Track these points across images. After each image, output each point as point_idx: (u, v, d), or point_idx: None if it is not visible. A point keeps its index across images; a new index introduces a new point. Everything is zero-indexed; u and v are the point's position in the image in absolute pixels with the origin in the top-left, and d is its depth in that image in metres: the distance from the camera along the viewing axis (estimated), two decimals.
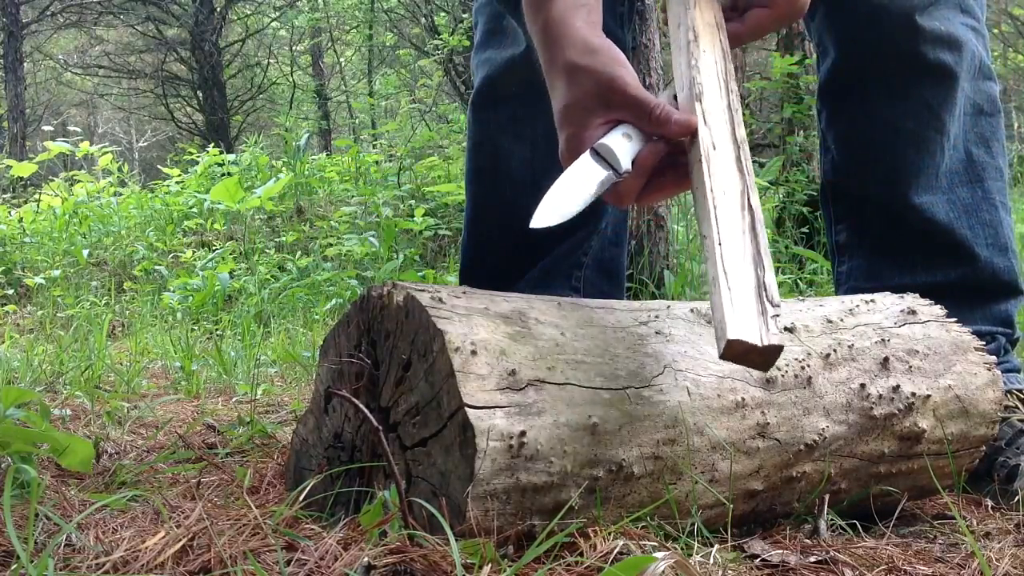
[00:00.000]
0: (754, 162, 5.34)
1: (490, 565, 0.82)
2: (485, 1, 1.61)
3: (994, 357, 1.28)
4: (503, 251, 1.63)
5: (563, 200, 0.98)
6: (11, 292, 5.82)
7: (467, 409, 0.89)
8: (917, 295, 1.30)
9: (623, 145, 1.00)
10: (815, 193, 2.17)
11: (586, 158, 1.00)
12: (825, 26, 1.54)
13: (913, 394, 1.17)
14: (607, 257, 1.65)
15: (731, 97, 1.05)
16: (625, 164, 0.99)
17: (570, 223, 1.59)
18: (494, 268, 1.62)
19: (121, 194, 7.72)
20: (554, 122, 1.06)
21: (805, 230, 4.42)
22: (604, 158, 1.00)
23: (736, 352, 0.87)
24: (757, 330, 0.87)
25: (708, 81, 1.05)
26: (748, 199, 0.96)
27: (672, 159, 1.03)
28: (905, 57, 1.47)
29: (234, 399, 2.17)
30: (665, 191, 1.05)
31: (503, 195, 1.61)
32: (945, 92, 1.48)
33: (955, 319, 1.28)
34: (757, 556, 0.99)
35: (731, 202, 0.96)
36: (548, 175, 1.59)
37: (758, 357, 0.87)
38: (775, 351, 0.87)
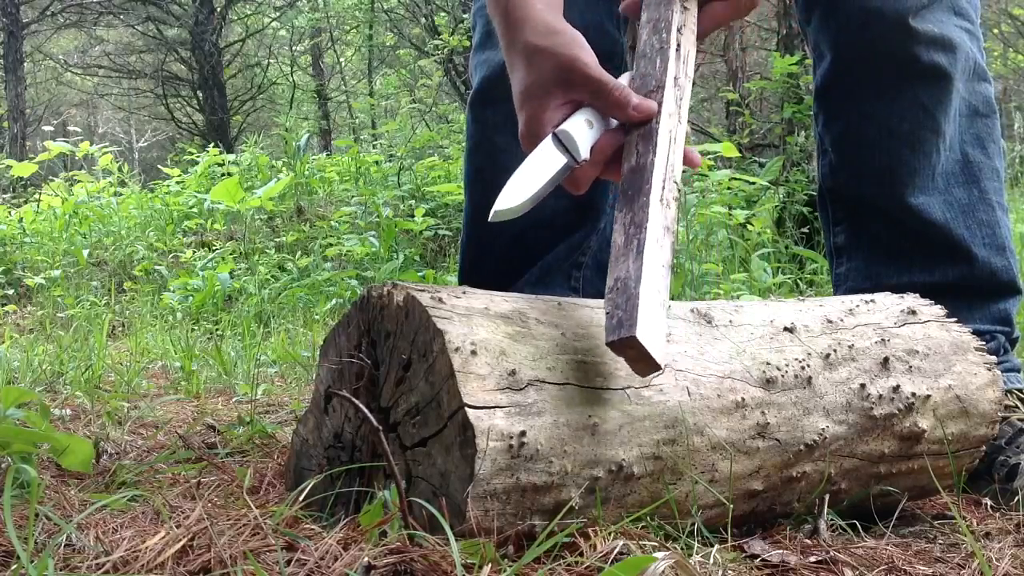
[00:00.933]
0: (754, 162, 5.34)
1: (490, 565, 0.82)
2: (484, 3, 1.61)
3: (994, 357, 1.28)
4: (502, 251, 1.63)
5: (524, 187, 0.99)
6: (11, 292, 5.81)
7: (467, 409, 0.89)
8: (917, 295, 1.30)
9: (583, 132, 1.02)
10: (815, 193, 2.16)
11: (547, 143, 1.01)
12: (820, 30, 1.55)
13: (913, 394, 1.17)
14: (606, 258, 1.64)
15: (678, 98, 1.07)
16: (584, 153, 1.01)
17: (569, 223, 1.60)
18: (493, 268, 1.62)
19: (121, 194, 7.71)
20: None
21: (805, 230, 4.42)
22: (564, 144, 1.01)
23: (627, 351, 0.91)
24: (659, 345, 0.91)
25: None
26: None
27: None
28: (899, 59, 1.48)
29: (234, 399, 2.17)
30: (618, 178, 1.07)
31: None
32: (940, 93, 1.49)
33: (955, 319, 1.28)
34: (757, 556, 0.99)
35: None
36: None
37: (643, 365, 0.92)
38: (656, 367, 0.92)
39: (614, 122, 1.05)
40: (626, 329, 0.90)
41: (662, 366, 0.93)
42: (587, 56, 1.04)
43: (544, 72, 1.04)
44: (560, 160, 1.00)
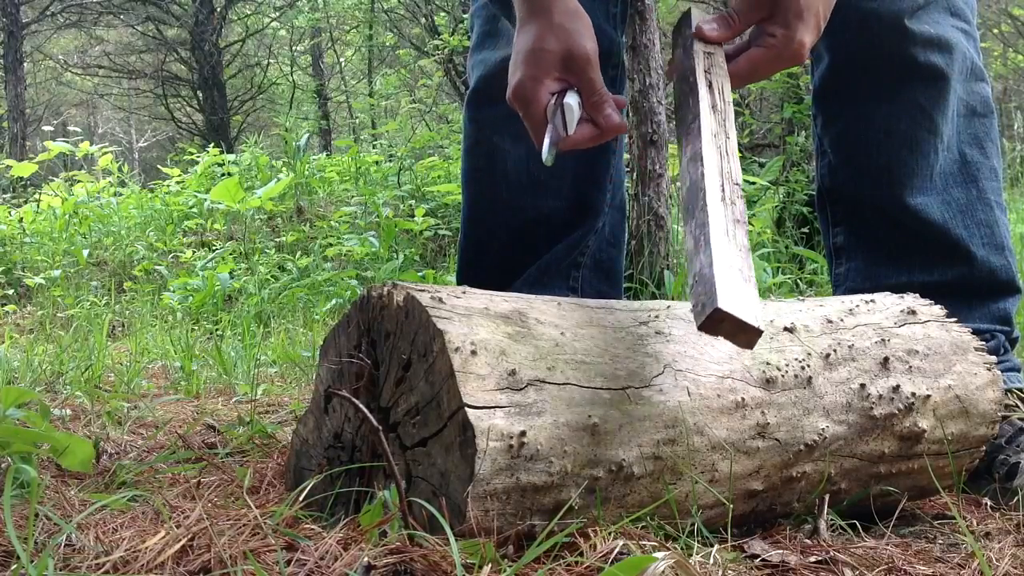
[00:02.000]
0: (754, 162, 5.34)
1: (490, 565, 0.82)
2: (481, 4, 1.61)
3: (994, 357, 1.28)
4: (500, 251, 1.63)
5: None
6: (11, 292, 5.81)
7: (467, 409, 0.89)
8: (917, 295, 1.30)
9: (575, 112, 1.13)
10: (815, 193, 2.15)
11: (560, 108, 1.13)
12: None
13: (913, 394, 1.17)
14: (605, 258, 1.65)
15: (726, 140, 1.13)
16: (571, 130, 1.13)
17: (567, 222, 1.60)
18: (491, 268, 1.63)
19: (121, 194, 7.71)
20: (512, 60, 1.17)
21: (805, 230, 4.42)
22: (564, 115, 1.13)
23: (720, 326, 0.90)
24: (752, 311, 0.90)
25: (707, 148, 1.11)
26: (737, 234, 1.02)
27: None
28: (896, 60, 1.48)
29: (234, 399, 2.17)
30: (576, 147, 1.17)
31: (499, 195, 1.62)
32: (937, 93, 1.49)
33: (955, 319, 1.28)
34: (757, 556, 0.99)
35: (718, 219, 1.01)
36: (543, 174, 1.60)
37: (744, 336, 0.91)
38: (757, 332, 0.90)
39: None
40: (709, 306, 0.90)
41: (760, 328, 0.90)
42: (592, 50, 1.15)
43: (557, 48, 1.15)
44: (560, 126, 1.13)
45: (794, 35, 1.16)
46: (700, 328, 0.91)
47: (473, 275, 1.62)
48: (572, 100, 1.14)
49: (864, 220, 1.56)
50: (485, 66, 1.59)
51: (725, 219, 1.00)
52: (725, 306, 0.89)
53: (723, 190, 1.04)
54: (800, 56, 1.18)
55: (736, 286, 0.92)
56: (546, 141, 1.12)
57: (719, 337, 0.92)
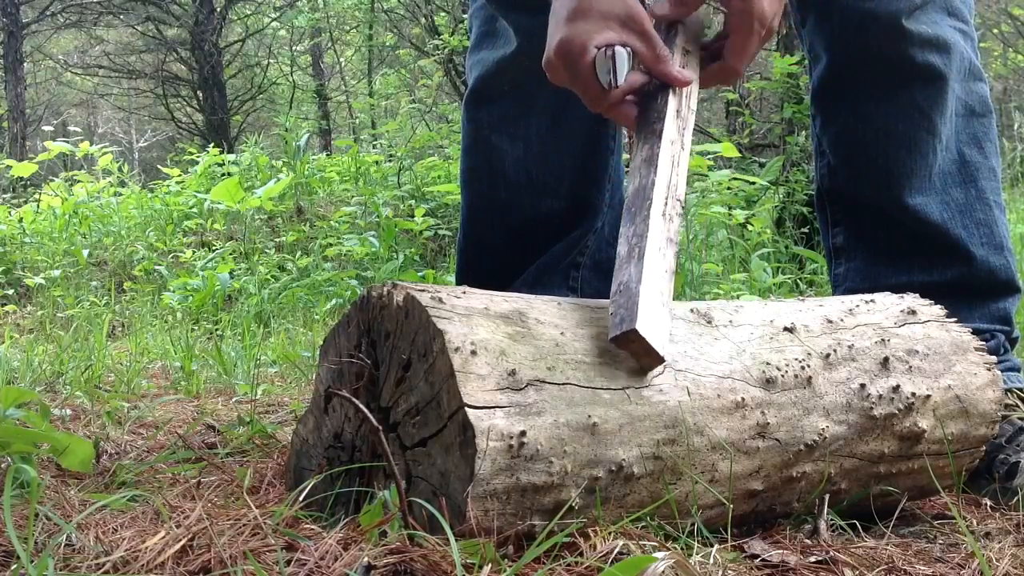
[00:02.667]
0: (754, 162, 5.34)
1: (490, 565, 0.82)
2: (480, 4, 1.62)
3: (994, 357, 1.28)
4: (499, 251, 1.63)
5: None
6: (11, 292, 5.81)
7: (467, 409, 0.89)
8: (917, 295, 1.30)
9: (625, 62, 1.13)
10: (814, 193, 2.12)
11: (609, 54, 1.13)
12: (815, 32, 1.55)
13: (913, 394, 1.17)
14: (604, 258, 1.65)
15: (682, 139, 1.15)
16: (622, 79, 1.13)
17: (566, 221, 1.60)
18: (490, 268, 1.63)
19: (121, 194, 7.71)
20: (551, 23, 1.16)
21: (805, 230, 4.42)
22: (615, 63, 1.13)
23: (630, 344, 0.97)
24: (661, 339, 0.97)
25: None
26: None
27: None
28: (894, 60, 1.48)
29: (234, 399, 2.17)
30: (622, 118, 1.18)
31: (498, 195, 1.62)
32: (935, 94, 1.49)
33: (955, 319, 1.28)
34: (757, 556, 0.99)
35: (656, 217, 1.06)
36: (542, 174, 1.60)
37: (648, 359, 0.98)
38: (659, 360, 0.98)
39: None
40: (627, 323, 0.96)
41: (665, 358, 0.97)
42: (643, 8, 1.15)
43: (608, 7, 1.13)
44: (609, 71, 1.13)
45: (752, 6, 1.17)
46: (611, 340, 0.97)
47: (472, 275, 1.62)
48: (622, 50, 1.13)
49: (863, 220, 1.56)
50: (483, 66, 1.59)
51: (661, 237, 1.04)
52: (642, 330, 0.95)
53: (666, 204, 1.07)
54: (763, 20, 1.19)
55: (656, 312, 0.98)
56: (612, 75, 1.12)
57: (627, 355, 0.99)
